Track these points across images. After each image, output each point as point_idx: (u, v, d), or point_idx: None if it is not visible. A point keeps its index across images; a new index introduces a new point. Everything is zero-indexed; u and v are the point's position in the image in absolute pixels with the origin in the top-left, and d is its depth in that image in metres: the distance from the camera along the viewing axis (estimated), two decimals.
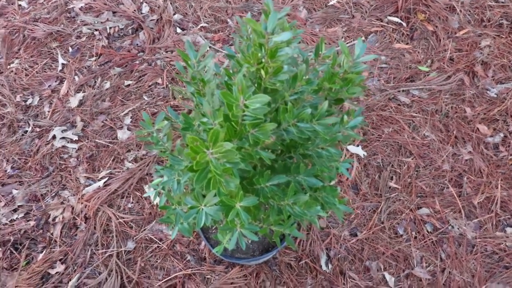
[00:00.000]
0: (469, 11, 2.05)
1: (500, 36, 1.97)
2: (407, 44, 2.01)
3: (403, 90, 1.87)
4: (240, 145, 0.59)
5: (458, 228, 1.55)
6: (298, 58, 0.81)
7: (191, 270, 1.48)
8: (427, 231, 1.55)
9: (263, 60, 0.59)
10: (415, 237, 1.54)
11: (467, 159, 1.69)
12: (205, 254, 1.51)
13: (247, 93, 0.51)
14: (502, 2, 2.06)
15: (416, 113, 1.81)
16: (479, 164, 1.68)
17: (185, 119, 0.74)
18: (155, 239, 1.55)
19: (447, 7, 2.06)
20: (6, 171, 1.72)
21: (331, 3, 2.15)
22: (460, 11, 2.04)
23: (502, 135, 1.74)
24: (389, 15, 2.08)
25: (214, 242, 1.25)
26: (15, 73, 1.99)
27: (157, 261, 1.51)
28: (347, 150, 1.72)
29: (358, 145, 1.73)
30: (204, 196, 0.71)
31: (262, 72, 0.58)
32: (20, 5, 2.25)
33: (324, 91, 0.71)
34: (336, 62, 0.69)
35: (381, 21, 2.07)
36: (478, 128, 1.76)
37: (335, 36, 2.04)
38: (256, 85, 0.66)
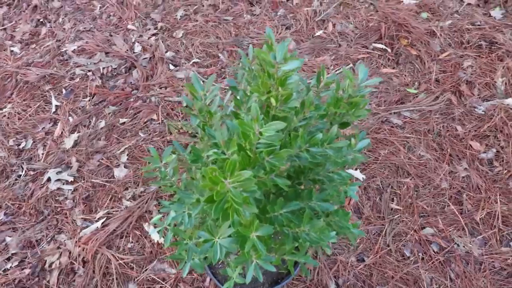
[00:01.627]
0: (449, 34, 2.16)
1: (481, 56, 2.06)
2: (393, 68, 2.08)
3: (394, 112, 1.91)
4: (255, 173, 0.59)
5: (464, 246, 1.54)
6: (299, 86, 0.83)
7: None
8: (434, 251, 1.54)
9: (271, 89, 0.60)
10: (422, 258, 1.53)
11: (464, 176, 1.72)
12: None
13: (260, 121, 0.52)
14: (479, 25, 2.18)
15: (410, 134, 1.84)
16: (476, 180, 1.70)
17: (194, 151, 0.74)
18: (157, 279, 1.49)
19: (427, 32, 2.17)
20: None
21: (317, 34, 2.23)
22: (440, 35, 2.15)
23: (494, 150, 1.78)
24: (374, 42, 2.17)
25: (221, 278, 1.22)
26: (8, 118, 1.98)
27: None
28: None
29: (356, 169, 1.74)
30: (217, 227, 0.69)
31: (272, 100, 0.59)
32: (12, 51, 2.27)
33: (330, 116, 0.72)
34: (339, 87, 0.71)
35: (367, 48, 2.16)
36: (471, 145, 1.79)
37: (324, 65, 2.10)
38: (265, 113, 0.67)
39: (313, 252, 1.52)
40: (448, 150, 1.78)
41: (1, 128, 1.94)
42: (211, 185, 0.53)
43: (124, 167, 1.78)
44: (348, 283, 1.47)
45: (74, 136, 1.88)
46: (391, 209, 1.65)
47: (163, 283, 1.48)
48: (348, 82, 0.68)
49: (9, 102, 2.04)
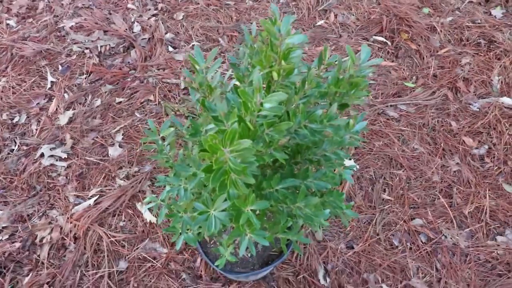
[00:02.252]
0: (449, 31, 2.17)
1: (479, 54, 2.08)
2: (392, 61, 2.09)
3: (391, 105, 1.93)
4: (254, 146, 0.60)
5: (451, 238, 1.57)
6: (300, 67, 0.83)
7: None
8: (422, 241, 1.57)
9: (274, 63, 0.60)
10: (410, 248, 1.55)
11: (455, 170, 1.74)
12: (201, 271, 1.47)
13: (262, 92, 0.52)
14: (479, 23, 2.19)
15: (405, 127, 1.86)
16: (467, 175, 1.73)
17: (193, 124, 0.74)
18: (148, 257, 1.50)
19: (428, 28, 2.17)
20: None
21: (318, 23, 2.23)
22: (441, 31, 2.15)
23: (486, 147, 1.80)
24: (375, 35, 2.17)
25: (213, 257, 1.23)
26: (2, 91, 1.95)
27: (151, 281, 1.45)
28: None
29: (350, 159, 1.76)
30: (213, 201, 0.70)
31: (274, 74, 0.60)
32: (8, 24, 2.23)
33: (330, 96, 0.73)
34: (341, 68, 0.71)
35: (367, 40, 2.16)
36: (464, 141, 1.82)
37: (332, 56, 2.10)
38: (266, 89, 0.68)
39: (304, 235, 1.54)
40: (442, 145, 1.81)
41: None
42: (210, 154, 0.53)
43: (119, 146, 1.78)
44: (337, 268, 1.49)
45: (69, 113, 1.86)
46: (383, 199, 1.67)
47: (154, 261, 1.49)
48: (349, 62, 0.68)
49: (4, 76, 2.01)
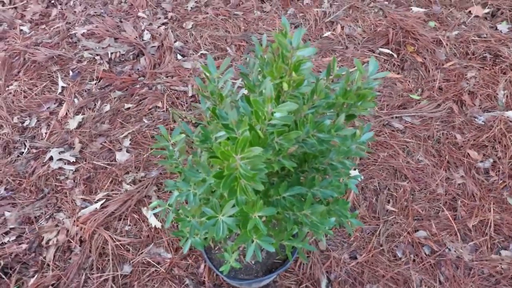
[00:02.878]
0: (455, 44, 2.19)
1: (484, 68, 2.09)
2: (398, 74, 2.11)
3: (396, 117, 1.94)
4: (264, 154, 0.62)
5: (455, 251, 1.57)
6: (310, 74, 0.85)
7: None
8: (425, 253, 1.57)
9: (284, 74, 0.63)
10: (414, 260, 1.55)
11: (460, 183, 1.75)
12: (204, 277, 1.48)
13: (273, 102, 0.54)
14: (485, 37, 2.21)
15: (410, 139, 1.87)
16: (472, 188, 1.73)
17: (203, 132, 0.76)
18: (152, 262, 1.52)
19: (434, 41, 2.20)
20: None
21: (325, 34, 2.26)
22: (446, 44, 2.18)
23: (491, 160, 1.81)
24: (381, 47, 2.19)
25: (217, 263, 1.24)
26: (14, 95, 1.99)
27: (154, 286, 1.46)
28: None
29: (355, 169, 1.77)
30: (221, 206, 0.72)
31: (285, 84, 0.62)
32: (21, 30, 2.29)
33: (338, 107, 0.75)
34: (349, 79, 0.73)
35: (373, 52, 2.18)
36: (468, 154, 1.82)
37: (340, 69, 2.13)
38: (275, 99, 0.70)
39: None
40: (446, 157, 1.81)
41: (7, 105, 1.95)
42: (221, 160, 0.55)
43: (127, 151, 1.80)
44: (340, 279, 1.49)
45: (79, 117, 1.89)
46: (387, 210, 1.67)
47: (158, 266, 1.50)
48: (357, 74, 0.70)
49: (16, 80, 2.05)
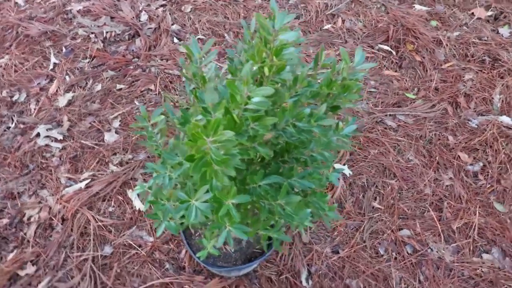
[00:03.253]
0: (455, 46, 2.17)
1: (482, 71, 2.08)
2: (395, 71, 2.09)
3: (390, 115, 1.93)
4: (238, 139, 0.60)
5: (437, 251, 1.57)
6: (297, 68, 0.83)
7: (169, 279, 1.44)
8: (407, 252, 1.57)
9: (266, 59, 0.61)
10: (395, 258, 1.55)
11: (448, 184, 1.74)
12: (184, 263, 1.47)
13: (251, 84, 0.52)
14: (485, 40, 2.19)
15: (402, 137, 1.86)
16: (459, 190, 1.72)
17: (183, 114, 0.74)
18: (134, 245, 1.51)
19: (434, 40, 2.17)
20: None
21: (325, 27, 2.23)
22: (446, 45, 2.15)
23: (481, 164, 1.80)
24: (380, 43, 2.17)
25: (196, 249, 1.23)
26: (4, 69, 1.96)
27: (134, 268, 1.46)
28: (333, 167, 1.74)
29: (344, 164, 1.76)
30: (196, 191, 0.70)
31: (266, 69, 0.60)
32: (16, 2, 2.24)
33: (322, 97, 0.73)
34: (335, 70, 0.71)
35: (372, 48, 2.16)
36: (459, 156, 1.82)
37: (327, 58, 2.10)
38: (257, 85, 0.68)
39: (291, 239, 1.54)
40: (437, 158, 1.81)
41: None
42: (193, 142, 0.54)
43: (115, 132, 1.78)
44: (320, 272, 1.49)
45: (69, 95, 1.87)
46: (373, 207, 1.67)
47: (139, 249, 1.50)
48: (343, 64, 0.68)
49: (7, 54, 2.01)
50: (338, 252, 1.55)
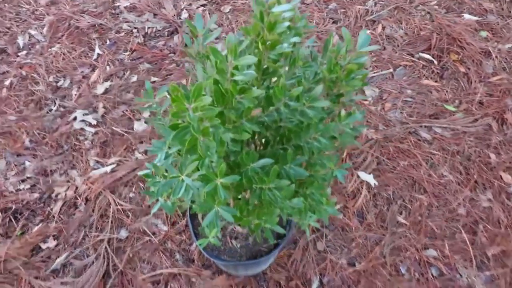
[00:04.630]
0: (506, 58, 2.00)
1: None
2: (436, 81, 1.96)
3: (425, 126, 1.81)
4: (227, 114, 0.58)
5: (467, 278, 1.43)
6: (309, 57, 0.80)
7: (177, 270, 1.44)
8: (432, 275, 1.44)
9: (261, 33, 0.59)
10: (418, 279, 1.43)
11: (485, 206, 1.59)
12: (194, 256, 1.47)
13: (237, 52, 0.51)
14: None
15: (436, 151, 1.73)
16: (498, 214, 1.56)
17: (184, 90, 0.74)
18: (148, 231, 1.53)
19: (482, 51, 2.02)
20: (24, 142, 1.79)
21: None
22: (496, 57, 1.99)
23: None
24: (421, 52, 2.06)
25: (207, 248, 1.22)
26: (54, 56, 2.11)
27: (146, 255, 1.48)
28: (358, 176, 1.66)
29: (370, 173, 1.67)
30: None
31: (260, 44, 0.58)
32: None
33: (325, 82, 0.69)
34: (339, 53, 0.67)
35: (412, 56, 2.05)
36: (501, 176, 1.65)
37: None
38: (257, 65, 0.66)
39: (304, 245, 1.48)
40: (475, 176, 1.66)
41: (46, 64, 2.07)
42: (175, 109, 0.53)
43: (145, 122, 1.84)
44: (333, 283, 1.42)
45: (107, 84, 1.97)
46: (397, 221, 1.56)
47: (153, 236, 1.52)
48: (345, 46, 0.64)
49: (59, 43, 2.17)
50: (354, 265, 1.46)
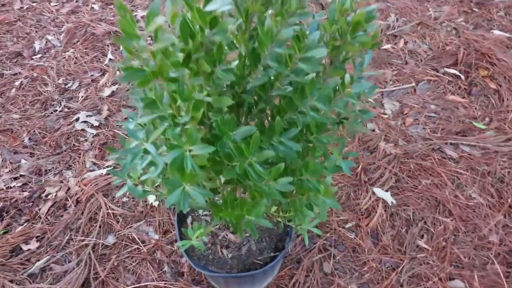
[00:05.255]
0: None
1: None
2: (463, 98, 1.80)
3: (451, 143, 1.64)
4: (196, 57, 0.47)
5: None
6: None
7: (164, 283, 1.28)
8: None
9: None
10: None
11: None
12: (184, 269, 1.31)
13: None
14: None
15: (464, 170, 1.55)
16: None
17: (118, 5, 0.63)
18: (137, 239, 1.40)
19: None
20: (23, 141, 1.73)
21: (384, 47, 2.05)
22: None
23: None
24: (446, 67, 1.92)
25: (190, 249, 1.08)
26: (66, 60, 2.10)
27: (131, 264, 1.34)
28: (373, 192, 1.49)
29: (387, 191, 1.50)
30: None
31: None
32: (92, 7, 2.45)
33: (328, 41, 0.57)
34: (344, 5, 0.56)
35: (437, 71, 1.91)
36: None
37: (383, 77, 1.91)
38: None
39: (309, 266, 1.31)
40: (509, 200, 1.45)
41: (58, 67, 2.06)
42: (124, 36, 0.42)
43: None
44: None
45: (114, 87, 1.92)
46: (417, 246, 1.36)
47: (141, 245, 1.38)
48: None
49: (73, 48, 2.17)
50: None
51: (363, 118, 0.70)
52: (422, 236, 1.39)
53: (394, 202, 1.47)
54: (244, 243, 1.06)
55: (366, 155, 1.62)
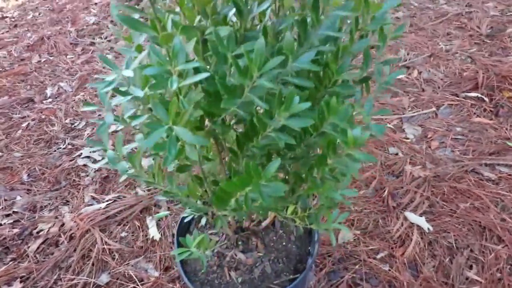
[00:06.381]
0: None
1: None
2: (490, 119, 1.67)
3: (486, 164, 1.47)
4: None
5: None
6: None
7: None
8: None
9: None
10: None
11: None
12: None
13: None
14: None
15: (506, 192, 1.36)
16: None
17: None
18: (134, 277, 1.21)
19: None
20: (21, 178, 1.63)
21: (398, 76, 1.99)
22: None
23: None
24: (467, 91, 1.82)
25: (195, 280, 0.90)
26: (76, 102, 2.10)
27: None
28: (405, 218, 1.30)
29: (421, 215, 1.31)
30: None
31: None
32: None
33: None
34: None
35: (457, 96, 1.82)
36: None
37: (400, 105, 1.81)
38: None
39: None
40: None
41: (66, 109, 2.04)
42: None
43: (153, 159, 1.65)
44: None
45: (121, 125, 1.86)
46: (466, 278, 1.13)
47: (139, 284, 1.18)
48: None
49: (83, 92, 2.18)
50: None
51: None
52: (470, 267, 1.16)
53: (431, 228, 1.27)
54: (257, 264, 0.87)
55: (392, 179, 1.45)
